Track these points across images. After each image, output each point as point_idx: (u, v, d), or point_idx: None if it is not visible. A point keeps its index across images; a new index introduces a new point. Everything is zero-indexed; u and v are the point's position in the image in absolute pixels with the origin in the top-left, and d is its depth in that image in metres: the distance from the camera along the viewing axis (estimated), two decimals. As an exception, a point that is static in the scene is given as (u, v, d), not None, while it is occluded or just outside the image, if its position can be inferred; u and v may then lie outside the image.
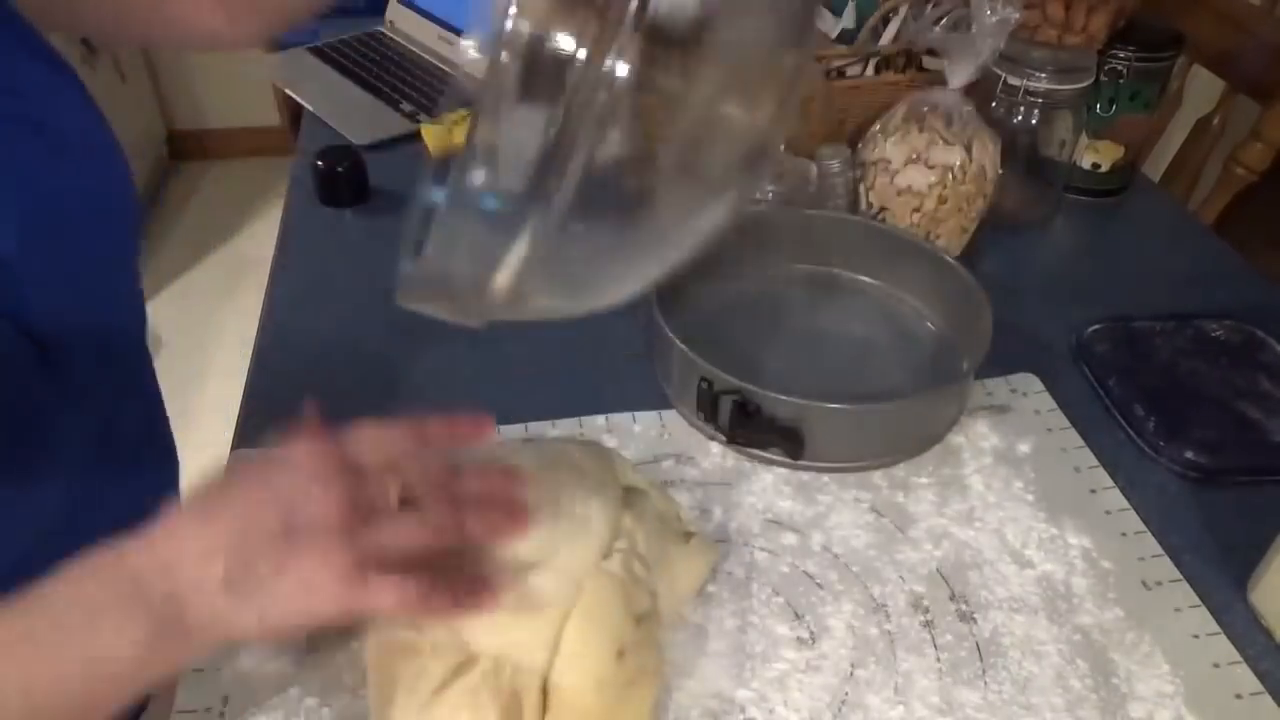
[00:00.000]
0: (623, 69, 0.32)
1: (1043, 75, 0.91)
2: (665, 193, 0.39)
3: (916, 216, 0.89)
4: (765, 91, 0.39)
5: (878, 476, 0.71)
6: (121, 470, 0.67)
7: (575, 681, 0.51)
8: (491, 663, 0.50)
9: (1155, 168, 1.45)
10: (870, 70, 1.04)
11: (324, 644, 0.59)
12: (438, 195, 0.35)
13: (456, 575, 0.48)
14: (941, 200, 0.88)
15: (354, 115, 1.16)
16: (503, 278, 0.35)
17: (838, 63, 1.03)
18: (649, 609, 0.56)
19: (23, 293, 0.55)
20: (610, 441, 0.73)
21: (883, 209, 0.91)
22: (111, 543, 0.45)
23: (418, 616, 0.50)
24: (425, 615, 0.49)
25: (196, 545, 0.44)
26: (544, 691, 0.51)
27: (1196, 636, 0.61)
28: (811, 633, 0.61)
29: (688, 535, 0.62)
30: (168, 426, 0.79)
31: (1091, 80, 0.93)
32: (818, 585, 0.64)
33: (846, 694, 0.57)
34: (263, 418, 0.76)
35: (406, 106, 1.17)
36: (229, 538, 0.44)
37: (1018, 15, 0.81)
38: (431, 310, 0.39)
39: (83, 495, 0.63)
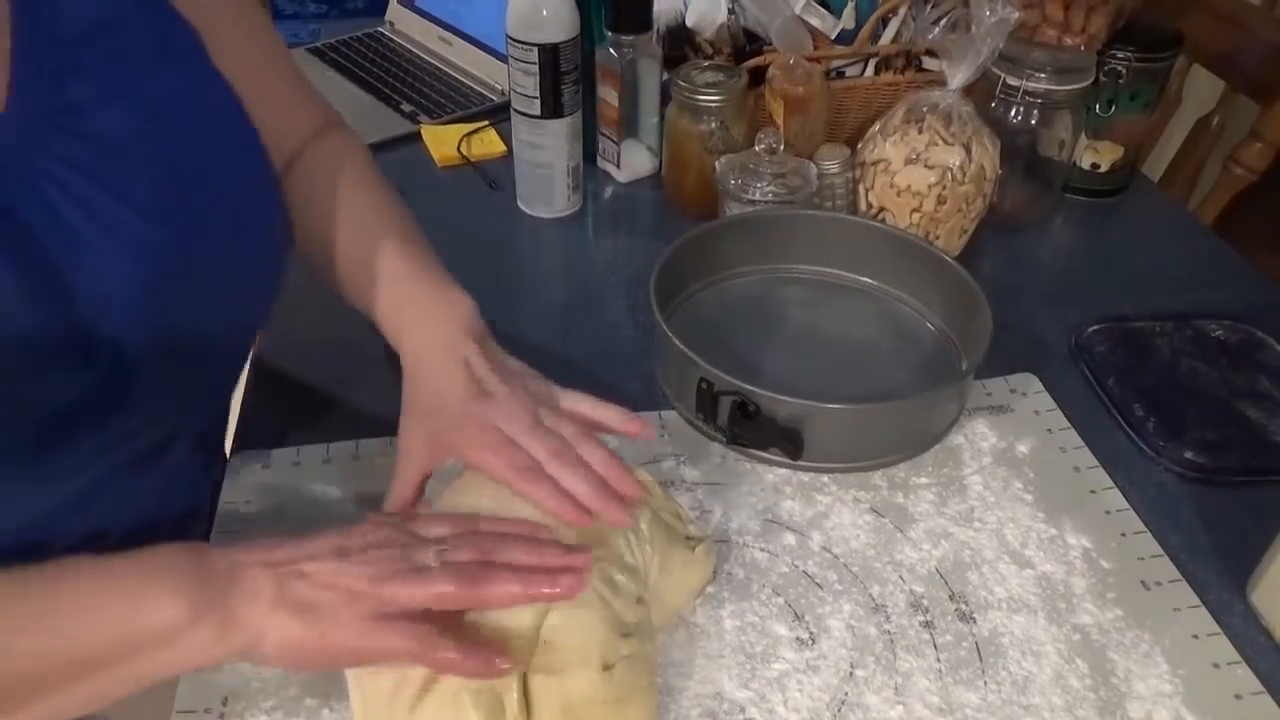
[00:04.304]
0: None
1: (1042, 75, 0.91)
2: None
3: (916, 217, 0.89)
4: None
5: (877, 477, 0.71)
6: (145, 473, 0.65)
7: (559, 698, 0.50)
8: None
9: (1155, 168, 1.45)
10: (869, 71, 1.04)
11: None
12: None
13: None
14: (941, 200, 0.88)
15: (354, 115, 1.15)
16: None
17: (837, 63, 1.03)
18: (640, 620, 0.55)
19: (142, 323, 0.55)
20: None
21: (882, 209, 0.91)
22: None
23: (428, 664, 0.50)
24: (434, 663, 0.50)
25: (267, 553, 0.50)
26: (526, 694, 0.50)
27: (1196, 636, 0.61)
28: (811, 633, 0.61)
29: (693, 540, 0.62)
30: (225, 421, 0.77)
31: (1091, 80, 0.93)
32: (817, 585, 0.64)
33: (846, 694, 0.57)
34: (263, 418, 0.76)
35: (406, 106, 1.17)
36: (295, 553, 0.50)
37: (1017, 15, 0.81)
38: None
39: (105, 482, 0.61)
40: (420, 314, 0.63)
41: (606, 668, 0.51)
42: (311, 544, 0.51)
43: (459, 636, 0.49)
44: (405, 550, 0.52)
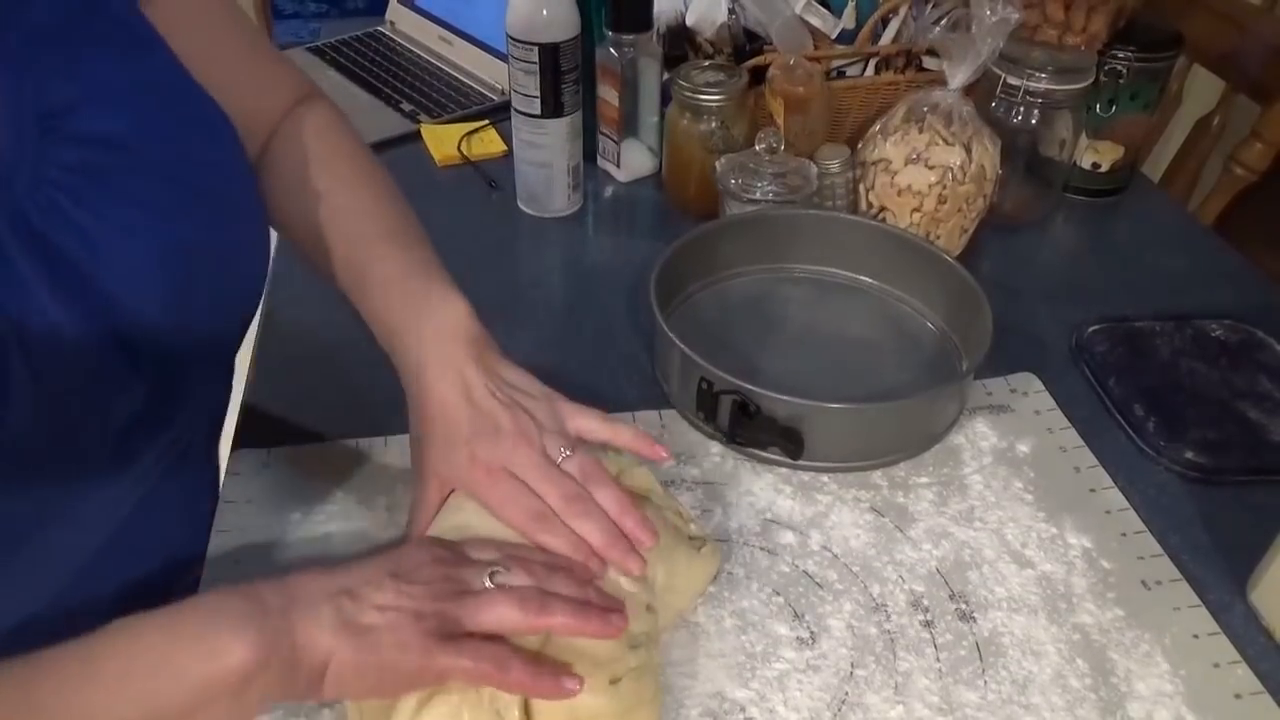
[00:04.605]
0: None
1: (1043, 75, 0.91)
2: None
3: (916, 216, 0.89)
4: None
5: (877, 476, 0.71)
6: (178, 470, 0.65)
7: (563, 714, 0.50)
8: None
9: (1155, 168, 1.45)
10: (870, 70, 1.04)
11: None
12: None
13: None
14: (941, 200, 0.88)
15: (354, 115, 1.14)
16: None
17: (838, 63, 1.03)
18: (649, 630, 0.55)
19: (150, 322, 0.54)
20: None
21: (883, 209, 0.91)
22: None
23: (497, 685, 0.50)
24: (504, 684, 0.50)
25: (318, 581, 0.50)
26: (528, 709, 0.50)
27: (1196, 636, 0.61)
28: (811, 632, 0.61)
29: (696, 540, 0.61)
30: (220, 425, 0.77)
31: (1091, 80, 0.93)
32: (817, 585, 0.64)
33: (846, 694, 0.57)
34: (263, 418, 0.76)
35: (406, 106, 1.17)
36: (347, 580, 0.50)
37: (1018, 15, 0.81)
38: None
39: (142, 501, 0.61)
40: (409, 321, 0.60)
41: (613, 681, 0.51)
42: (363, 569, 0.51)
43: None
44: (458, 572, 0.52)
